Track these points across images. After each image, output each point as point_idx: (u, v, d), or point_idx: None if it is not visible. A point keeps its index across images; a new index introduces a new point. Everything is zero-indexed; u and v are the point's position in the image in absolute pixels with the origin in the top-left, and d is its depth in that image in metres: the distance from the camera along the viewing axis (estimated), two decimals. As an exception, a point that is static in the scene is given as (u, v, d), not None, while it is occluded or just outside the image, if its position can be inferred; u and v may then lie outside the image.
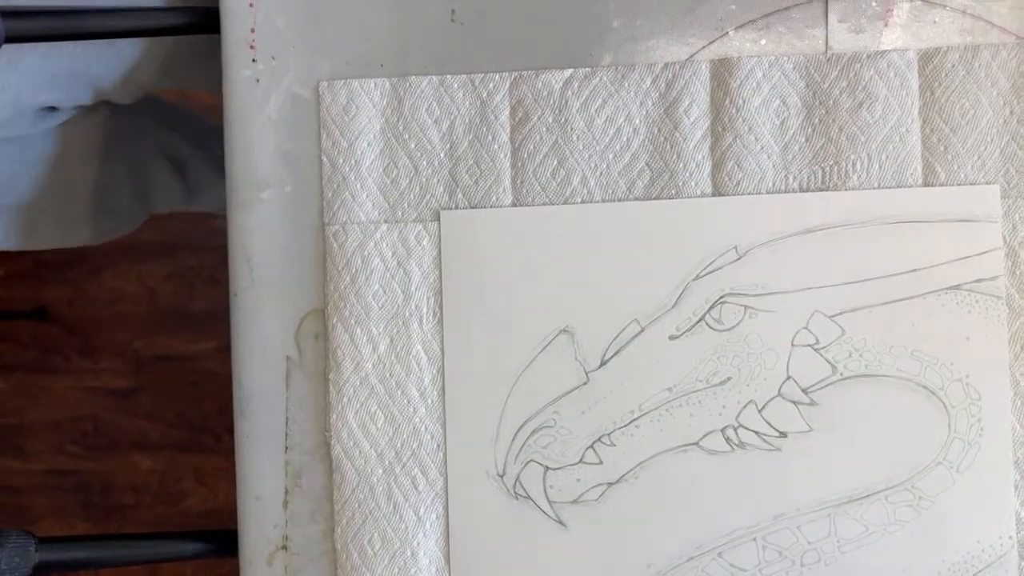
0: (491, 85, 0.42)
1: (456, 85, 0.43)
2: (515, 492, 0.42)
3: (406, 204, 0.43)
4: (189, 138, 0.72)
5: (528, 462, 0.42)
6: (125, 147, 0.64)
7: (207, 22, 0.45)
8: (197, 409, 1.06)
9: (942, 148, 0.40)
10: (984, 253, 0.40)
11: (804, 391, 0.41)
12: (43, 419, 1.08)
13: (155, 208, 0.72)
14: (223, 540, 0.46)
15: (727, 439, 0.41)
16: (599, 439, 0.41)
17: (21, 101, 0.51)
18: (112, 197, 0.66)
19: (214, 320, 1.06)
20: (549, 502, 0.42)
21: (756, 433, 0.41)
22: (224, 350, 1.12)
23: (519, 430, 0.42)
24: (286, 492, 0.44)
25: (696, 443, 0.41)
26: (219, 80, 0.44)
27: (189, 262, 1.06)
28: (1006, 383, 0.40)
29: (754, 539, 0.41)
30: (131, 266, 1.07)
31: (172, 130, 0.71)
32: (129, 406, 1.08)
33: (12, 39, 0.43)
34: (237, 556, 0.45)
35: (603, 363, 0.42)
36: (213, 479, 1.07)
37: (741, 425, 0.41)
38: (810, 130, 0.41)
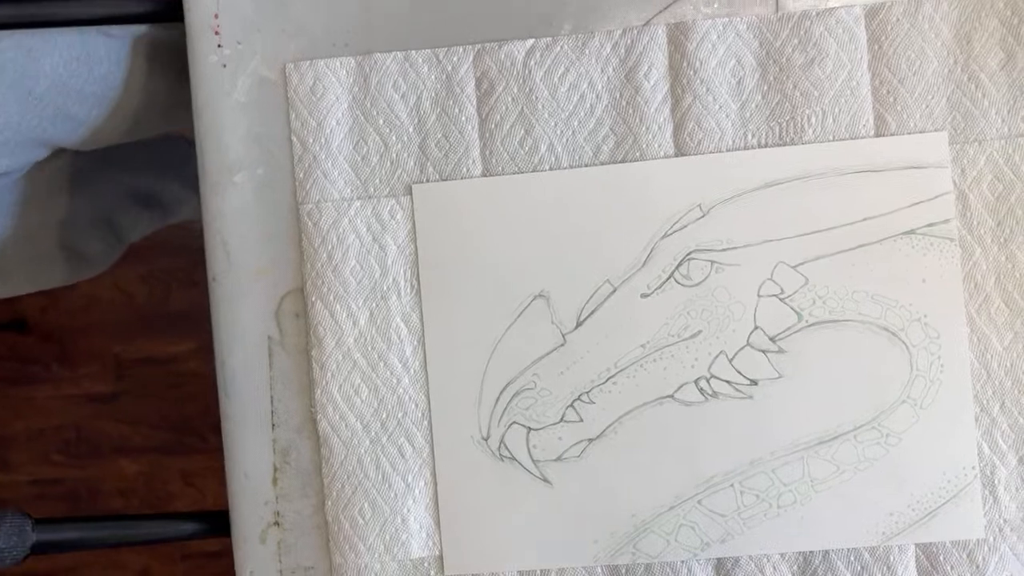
0: (455, 58, 0.43)
1: (421, 60, 0.43)
2: (500, 454, 0.43)
3: (378, 180, 0.44)
4: (154, 163, 0.71)
5: (511, 424, 0.43)
6: (90, 187, 0.63)
7: (169, 11, 0.45)
8: (180, 410, 1.06)
9: (891, 99, 0.42)
10: (936, 198, 0.42)
11: (772, 339, 0.42)
12: (26, 430, 1.07)
13: (129, 240, 0.72)
14: (216, 520, 0.47)
15: (701, 390, 0.42)
16: (578, 398, 0.43)
17: None
18: (82, 239, 0.65)
19: (192, 321, 1.06)
20: (533, 461, 0.43)
21: (728, 382, 0.42)
22: (204, 350, 1.12)
23: (501, 394, 0.43)
24: (275, 469, 0.45)
25: (671, 395, 0.42)
26: (189, 125, 0.44)
27: (164, 264, 1.06)
28: (962, 321, 0.42)
29: (732, 485, 0.42)
30: (105, 271, 1.06)
31: (136, 159, 0.69)
32: (111, 411, 1.07)
33: None
34: (229, 538, 0.45)
35: (579, 324, 0.43)
36: (201, 479, 1.07)
37: (713, 376, 0.42)
38: (765, 88, 0.42)
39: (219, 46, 0.44)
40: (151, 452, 1.07)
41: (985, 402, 0.42)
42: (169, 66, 0.50)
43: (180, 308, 1.07)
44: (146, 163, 0.70)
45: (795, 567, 0.42)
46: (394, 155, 0.44)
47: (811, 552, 0.42)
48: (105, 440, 1.07)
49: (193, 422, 1.06)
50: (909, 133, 0.42)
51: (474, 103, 0.43)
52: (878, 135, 0.42)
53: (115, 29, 0.47)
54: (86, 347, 1.07)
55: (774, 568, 0.42)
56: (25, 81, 0.46)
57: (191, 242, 1.04)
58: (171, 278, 1.07)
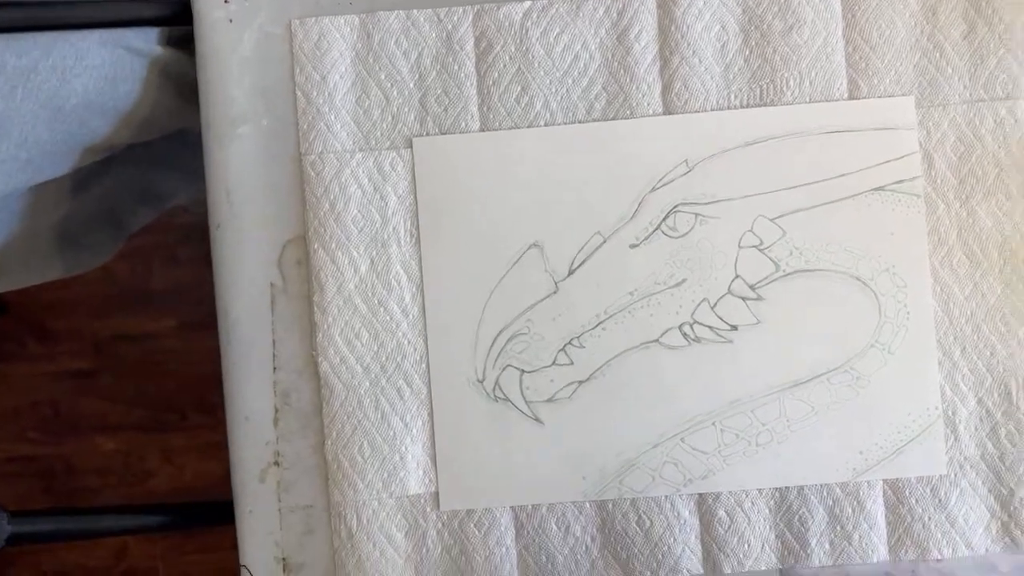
0: (455, 18, 0.45)
1: (422, 19, 0.45)
2: (494, 395, 0.45)
3: (379, 133, 0.46)
4: (152, 157, 0.72)
5: (505, 367, 0.45)
6: (92, 185, 0.64)
7: (183, 13, 0.46)
8: (160, 388, 1.06)
9: (863, 65, 0.45)
10: (903, 157, 0.45)
11: (751, 287, 0.45)
12: (1, 406, 1.06)
13: (128, 232, 0.72)
14: (188, 513, 0.48)
15: (684, 335, 0.45)
16: (569, 342, 0.45)
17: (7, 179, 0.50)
18: (82, 234, 0.65)
19: (173, 298, 1.06)
20: (526, 402, 0.45)
21: (710, 328, 0.45)
22: (185, 328, 1.12)
23: (496, 338, 0.45)
24: (276, 411, 0.46)
25: (657, 340, 0.45)
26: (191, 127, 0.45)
27: (145, 241, 1.06)
28: (927, 271, 0.45)
29: (713, 424, 0.45)
30: (85, 248, 1.06)
31: (133, 154, 0.70)
32: (89, 388, 1.07)
33: None
34: (202, 529, 0.46)
35: (571, 273, 0.45)
36: (179, 457, 1.07)
37: (696, 321, 0.45)
38: (748, 52, 0.45)
39: (226, 2, 0.46)
40: (129, 429, 1.07)
41: (947, 347, 0.45)
42: (183, 85, 0.51)
43: (161, 286, 1.07)
44: (144, 157, 0.71)
45: (772, 502, 0.45)
46: (395, 109, 0.46)
47: (787, 488, 0.45)
48: (83, 417, 1.07)
49: (173, 400, 1.06)
50: (879, 97, 0.45)
51: (473, 61, 0.45)
52: (851, 98, 0.45)
53: (139, 43, 0.47)
54: (65, 324, 1.07)
55: (752, 503, 0.45)
56: (56, 100, 0.47)
57: (173, 220, 1.04)
58: (153, 256, 1.07)
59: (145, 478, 1.07)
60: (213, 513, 0.51)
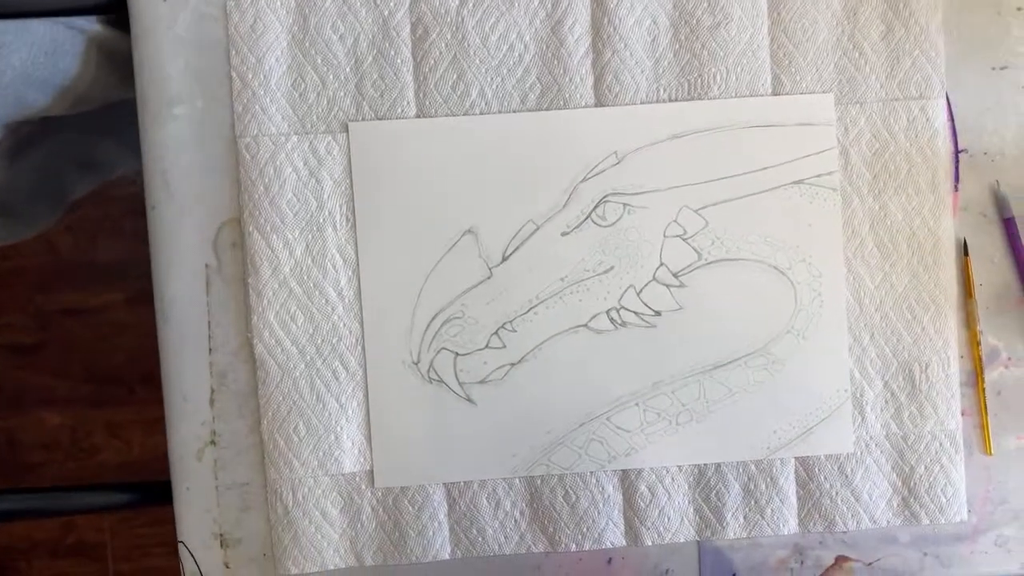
0: (392, 3, 0.46)
1: (359, 3, 0.46)
2: (429, 377, 0.46)
3: (315, 116, 0.46)
4: (91, 126, 0.71)
5: (440, 350, 0.46)
6: (30, 153, 0.63)
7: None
8: (107, 362, 1.05)
9: (787, 62, 0.47)
10: (822, 152, 0.47)
11: (675, 275, 0.47)
12: (-62, 381, 1.04)
13: (69, 201, 0.71)
14: (134, 490, 0.48)
15: (611, 319, 0.47)
16: (502, 326, 0.46)
17: None
18: (22, 202, 0.64)
19: (120, 272, 1.04)
20: (460, 383, 0.46)
21: (635, 313, 0.47)
22: (132, 301, 1.10)
23: (431, 322, 0.46)
24: (212, 391, 0.47)
25: (585, 324, 0.47)
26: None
27: (90, 213, 1.04)
28: (840, 262, 0.47)
29: (636, 404, 0.47)
30: (26, 219, 1.03)
31: (73, 124, 0.69)
32: (33, 362, 1.05)
33: None
34: (152, 506, 0.47)
35: (504, 259, 0.46)
36: (127, 431, 1.06)
37: (623, 307, 0.47)
38: (677, 47, 0.47)
39: (159, -20, 0.45)
40: (75, 403, 1.06)
41: (857, 333, 0.47)
42: (122, 62, 0.51)
43: (107, 258, 1.05)
44: (84, 126, 0.70)
45: (691, 478, 0.47)
46: (331, 93, 0.46)
47: (705, 465, 0.47)
48: (26, 392, 1.05)
49: (120, 373, 1.05)
50: (801, 93, 0.47)
51: (409, 47, 0.46)
52: (774, 94, 0.47)
53: (80, 21, 0.47)
54: (5, 297, 1.05)
55: (672, 479, 0.47)
56: None
57: (118, 191, 1.02)
58: (97, 228, 1.05)
59: (93, 453, 1.07)
60: (160, 491, 0.51)
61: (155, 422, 1.06)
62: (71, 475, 1.06)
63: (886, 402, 0.48)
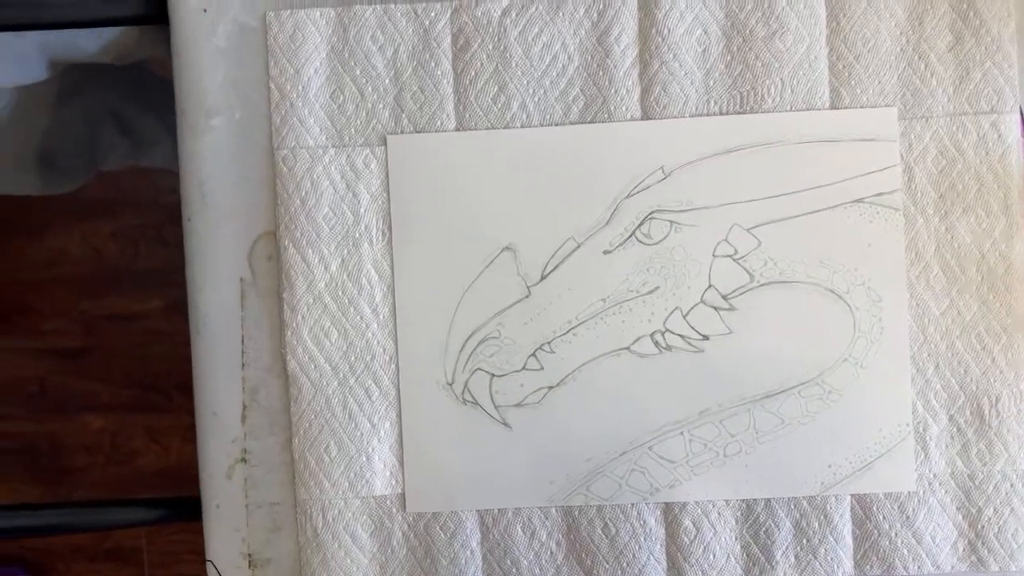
0: (433, 14, 0.45)
1: (399, 14, 0.45)
2: (463, 398, 0.45)
3: (353, 129, 0.45)
4: (136, 96, 0.73)
5: (475, 370, 0.45)
6: (76, 100, 0.65)
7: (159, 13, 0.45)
8: (147, 368, 1.06)
9: (847, 74, 0.44)
10: (884, 169, 0.44)
11: (724, 297, 0.44)
12: (-15, 383, 1.06)
13: (102, 166, 0.73)
14: (177, 506, 0.47)
15: (656, 343, 0.44)
16: (540, 347, 0.45)
17: None
18: (60, 152, 0.66)
19: (161, 279, 1.05)
20: (495, 406, 0.45)
21: (681, 336, 0.44)
22: (172, 308, 1.12)
23: (466, 341, 0.45)
24: (244, 407, 0.46)
25: (628, 347, 0.44)
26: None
27: (133, 221, 1.06)
28: (903, 286, 0.44)
29: (681, 433, 0.45)
30: (74, 226, 1.06)
31: (120, 87, 0.71)
32: (77, 367, 1.07)
33: None
34: (192, 521, 0.46)
35: (543, 277, 0.45)
36: (165, 437, 1.07)
37: (668, 330, 0.44)
38: (729, 57, 0.44)
39: (200, -9, 0.45)
40: (116, 409, 1.07)
41: (921, 363, 0.44)
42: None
43: (149, 265, 1.06)
44: (129, 91, 0.71)
45: (738, 513, 0.45)
46: (370, 106, 0.45)
47: (754, 500, 0.45)
48: (70, 395, 1.07)
49: (159, 380, 1.06)
50: (861, 107, 0.44)
51: (450, 58, 0.45)
52: (833, 107, 0.44)
53: None
54: (51, 302, 1.07)
55: (719, 514, 0.45)
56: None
57: (162, 199, 1.04)
58: (140, 235, 1.07)
59: (132, 457, 1.08)
60: (193, 507, 0.51)
61: (191, 429, 1.07)
62: (111, 479, 1.07)
63: (952, 438, 0.44)
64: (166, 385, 1.06)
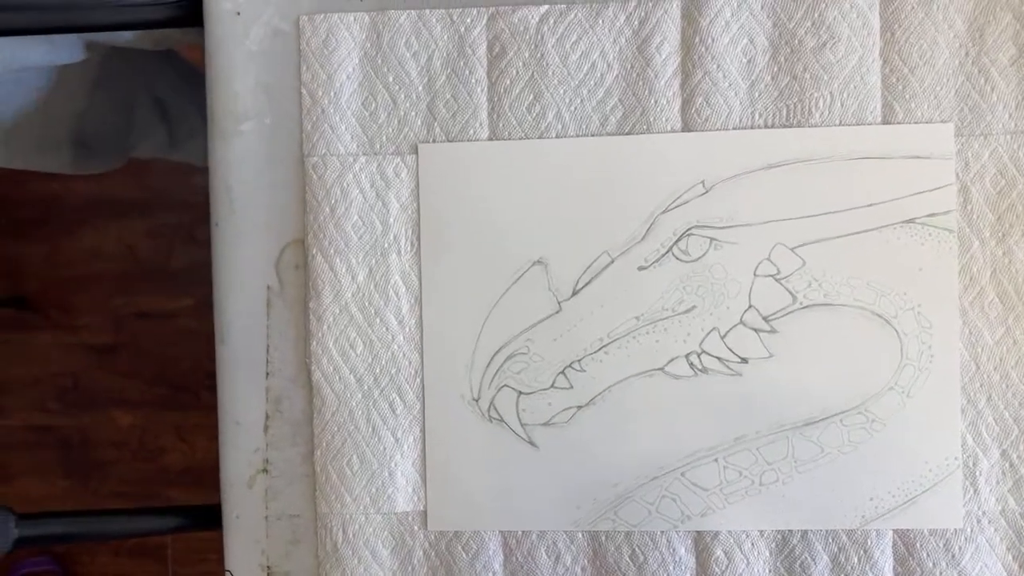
0: (468, 20, 0.43)
1: (434, 20, 0.44)
2: (489, 415, 0.44)
3: (384, 137, 0.44)
4: (176, 86, 0.73)
5: (502, 387, 0.43)
6: (114, 83, 0.65)
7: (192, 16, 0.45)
8: (176, 366, 1.07)
9: (901, 87, 0.42)
10: (938, 189, 0.42)
11: (765, 319, 0.42)
12: (22, 376, 1.08)
13: (135, 151, 0.73)
14: (200, 515, 0.47)
15: (691, 364, 0.43)
16: (570, 365, 0.43)
17: (14, 59, 0.51)
18: (95, 130, 0.66)
19: (192, 277, 1.06)
20: (521, 424, 0.43)
21: (719, 359, 0.43)
22: (202, 307, 1.12)
23: (494, 356, 0.43)
24: (267, 417, 0.45)
25: (661, 368, 0.43)
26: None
27: (167, 219, 1.06)
28: (955, 312, 0.42)
29: (715, 460, 0.43)
30: (110, 223, 1.07)
31: (160, 74, 0.71)
32: (109, 363, 1.08)
33: None
34: (213, 530, 0.46)
35: (575, 293, 0.43)
36: (192, 435, 1.08)
37: (704, 351, 0.43)
38: (776, 69, 0.42)
39: (234, -6, 0.45)
40: (145, 405, 1.08)
41: (972, 394, 0.42)
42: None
43: (181, 265, 1.07)
44: (173, 80, 0.71)
45: (773, 544, 0.43)
46: (402, 113, 0.44)
47: (790, 531, 0.43)
48: (101, 391, 1.08)
49: (188, 378, 1.07)
50: (916, 123, 0.42)
51: (485, 66, 0.43)
52: (885, 122, 0.42)
53: None
54: (87, 298, 1.08)
55: (752, 544, 0.43)
56: None
57: (195, 197, 1.04)
58: (174, 234, 1.08)
59: (159, 455, 1.09)
60: (215, 515, 0.50)
61: (217, 429, 1.07)
62: (138, 476, 1.08)
63: (1003, 474, 0.42)
64: (194, 384, 1.07)
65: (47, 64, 0.54)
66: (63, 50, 0.53)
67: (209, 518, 0.47)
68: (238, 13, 0.45)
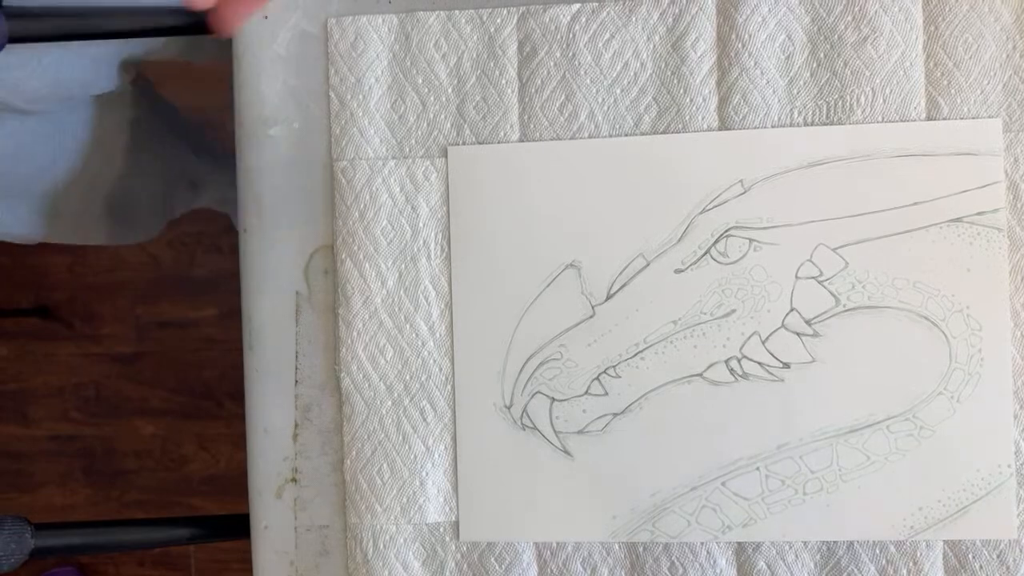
0: (499, 20, 0.43)
1: (464, 20, 0.43)
2: (522, 423, 0.42)
3: (413, 140, 0.43)
4: (197, 147, 0.74)
5: (535, 394, 0.42)
6: (147, 155, 0.66)
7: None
8: (198, 375, 1.07)
9: (945, 82, 0.41)
10: (986, 186, 0.40)
11: (807, 322, 0.41)
12: (46, 385, 1.08)
13: (171, 216, 0.75)
14: (220, 525, 0.46)
15: (731, 370, 0.41)
16: (604, 371, 0.42)
17: (60, 79, 0.51)
18: (132, 200, 0.67)
19: (215, 287, 1.06)
20: (555, 432, 0.42)
21: (759, 364, 0.41)
22: (225, 316, 1.12)
23: (526, 363, 0.42)
24: (296, 425, 0.44)
25: (700, 374, 0.42)
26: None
27: (190, 229, 1.07)
28: (1006, 314, 0.40)
29: (757, 468, 0.41)
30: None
31: (184, 140, 0.72)
32: (131, 372, 1.08)
33: (16, 39, 0.43)
34: (233, 540, 0.45)
35: (609, 297, 0.42)
36: (214, 444, 1.08)
37: (745, 356, 0.41)
38: (815, 64, 0.41)
39: (262, -3, 0.44)
40: (168, 414, 1.08)
41: (1025, 399, 0.40)
42: None
43: (204, 274, 1.07)
44: (191, 147, 0.73)
45: (818, 556, 0.41)
46: (431, 116, 0.43)
47: (835, 542, 0.41)
48: (124, 400, 1.08)
49: (210, 388, 1.07)
50: (962, 118, 0.41)
51: (515, 66, 0.43)
52: (929, 119, 0.41)
53: None
54: (110, 307, 1.08)
55: (796, 556, 0.41)
56: None
57: (218, 208, 1.04)
58: (197, 243, 1.08)
59: (182, 463, 1.08)
60: (241, 524, 0.49)
61: (241, 437, 1.07)
62: (160, 484, 1.08)
63: (1060, 482, 0.40)
64: (217, 393, 1.07)
65: (86, 89, 0.53)
66: (103, 69, 0.52)
67: (229, 528, 0.46)
68: (265, 17, 0.44)
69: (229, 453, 1.07)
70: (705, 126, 0.42)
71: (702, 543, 0.42)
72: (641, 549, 0.42)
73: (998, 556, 0.40)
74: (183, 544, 0.47)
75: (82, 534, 0.45)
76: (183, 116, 0.74)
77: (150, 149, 0.66)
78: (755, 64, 0.41)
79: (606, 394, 0.42)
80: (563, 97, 0.42)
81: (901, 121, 0.41)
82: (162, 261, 1.08)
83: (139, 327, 1.08)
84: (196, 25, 0.45)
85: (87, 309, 1.09)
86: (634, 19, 0.42)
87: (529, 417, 0.42)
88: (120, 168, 0.62)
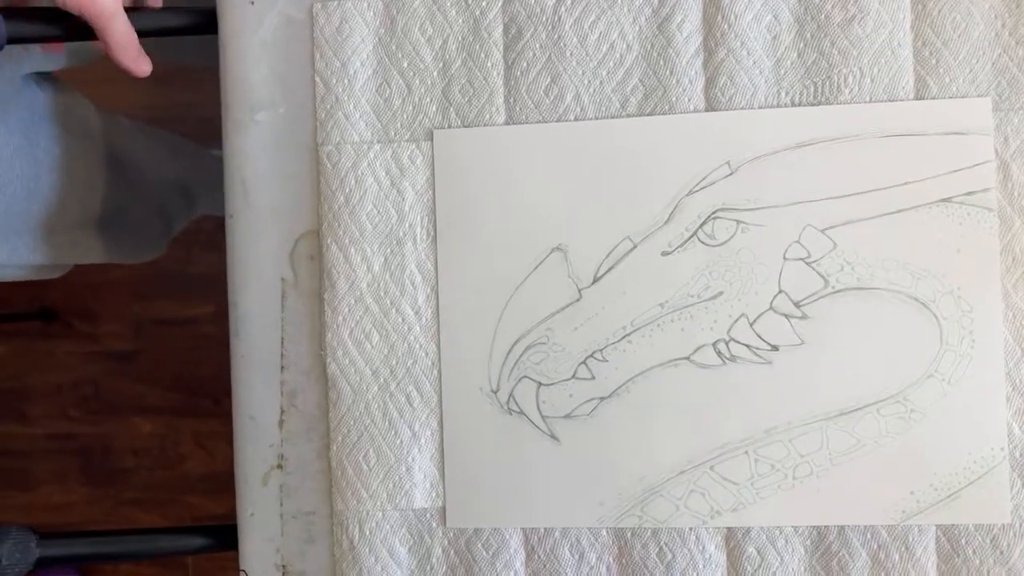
0: (484, 3, 0.42)
1: (449, 3, 0.43)
2: (508, 408, 0.42)
3: (399, 124, 0.43)
4: (190, 164, 0.74)
5: (521, 378, 0.42)
6: (138, 173, 0.66)
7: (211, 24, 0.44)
8: (195, 373, 1.07)
9: (934, 61, 0.40)
10: (975, 166, 0.40)
11: (796, 304, 0.41)
12: (44, 384, 1.09)
13: (170, 230, 0.75)
14: (222, 535, 0.46)
15: (718, 353, 0.41)
16: (591, 355, 0.42)
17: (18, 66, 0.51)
18: (126, 223, 0.67)
19: (211, 284, 1.06)
20: (542, 417, 0.42)
21: (747, 347, 0.41)
22: (222, 314, 1.12)
23: (512, 347, 0.42)
24: (281, 412, 0.44)
25: (687, 357, 0.41)
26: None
27: (187, 227, 1.06)
28: (997, 295, 0.40)
29: (746, 452, 0.41)
30: (130, 231, 1.07)
31: (179, 159, 0.73)
32: (129, 370, 1.08)
33: (13, 40, 0.43)
34: (233, 549, 0.44)
35: (596, 280, 0.42)
36: (212, 442, 1.07)
37: (732, 339, 0.41)
38: (802, 45, 0.41)
39: (247, -17, 0.44)
40: (165, 412, 1.08)
41: (1018, 381, 0.40)
42: None
43: (201, 271, 1.07)
44: (184, 163, 0.73)
45: (808, 541, 0.41)
46: (417, 99, 0.43)
47: (826, 527, 0.41)
48: (121, 398, 1.08)
49: (207, 385, 1.07)
50: (951, 97, 0.40)
51: (501, 49, 0.42)
52: (918, 98, 0.40)
53: None
54: (107, 305, 1.08)
55: (786, 541, 0.41)
56: None
57: (218, 214, 1.05)
58: (193, 241, 1.08)
59: (179, 461, 1.08)
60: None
61: (238, 435, 1.07)
62: (158, 482, 1.08)
63: (1053, 465, 0.40)
64: (214, 390, 1.07)
65: (41, 66, 0.53)
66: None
67: (233, 538, 0.45)
68: (252, 3, 0.44)
69: (226, 451, 1.07)
70: (692, 108, 0.41)
71: (691, 528, 0.41)
72: (629, 534, 0.42)
73: (991, 540, 0.40)
74: (191, 554, 0.47)
75: (87, 543, 0.45)
76: (153, 127, 0.74)
77: (141, 172, 0.66)
78: (741, 45, 0.41)
79: (593, 378, 0.42)
80: (549, 79, 0.42)
81: (889, 101, 0.40)
82: (159, 259, 1.08)
83: (136, 325, 1.08)
84: (196, 25, 0.45)
85: (84, 307, 1.09)
86: (620, 1, 0.42)
87: (516, 402, 0.42)
88: (100, 180, 0.61)
